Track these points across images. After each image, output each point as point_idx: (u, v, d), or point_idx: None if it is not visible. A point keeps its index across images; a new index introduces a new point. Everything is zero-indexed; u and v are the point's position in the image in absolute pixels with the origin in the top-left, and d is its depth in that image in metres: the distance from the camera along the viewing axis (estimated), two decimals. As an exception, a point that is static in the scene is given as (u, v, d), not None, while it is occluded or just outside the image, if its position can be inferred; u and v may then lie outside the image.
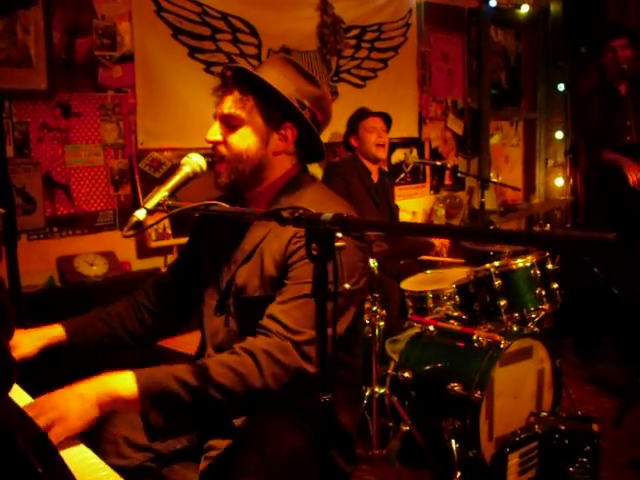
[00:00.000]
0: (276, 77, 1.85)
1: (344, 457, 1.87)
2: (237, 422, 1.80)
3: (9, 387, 0.96)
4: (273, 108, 1.86)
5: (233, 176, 1.88)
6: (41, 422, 1.38)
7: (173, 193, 1.69)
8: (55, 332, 1.99)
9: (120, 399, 1.49)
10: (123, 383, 1.50)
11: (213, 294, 1.95)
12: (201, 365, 1.59)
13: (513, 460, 2.51)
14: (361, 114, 4.35)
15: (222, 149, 1.88)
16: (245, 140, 1.86)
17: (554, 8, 6.62)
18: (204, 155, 1.82)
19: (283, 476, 1.63)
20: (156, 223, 1.70)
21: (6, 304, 0.88)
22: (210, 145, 1.91)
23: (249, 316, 1.81)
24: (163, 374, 1.54)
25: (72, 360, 2.00)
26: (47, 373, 1.89)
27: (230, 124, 1.86)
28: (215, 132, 1.88)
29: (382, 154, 4.34)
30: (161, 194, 1.66)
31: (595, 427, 2.55)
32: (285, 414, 1.76)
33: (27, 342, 1.91)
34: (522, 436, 2.54)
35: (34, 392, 1.68)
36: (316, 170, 4.71)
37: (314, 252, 1.17)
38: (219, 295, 1.92)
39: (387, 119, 4.40)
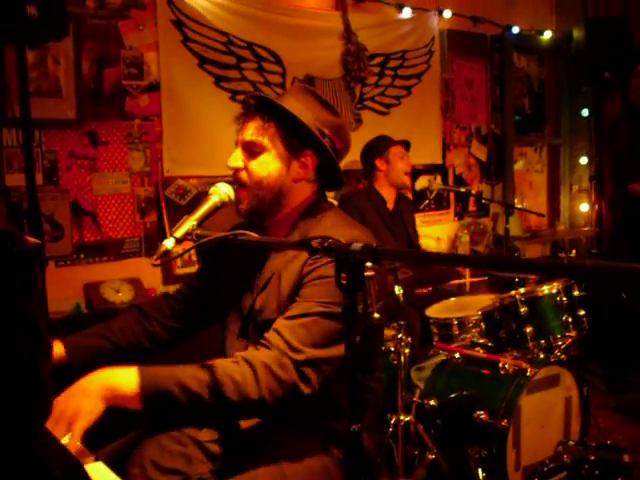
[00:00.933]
0: (297, 105, 1.89)
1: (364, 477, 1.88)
2: (263, 447, 1.80)
3: (47, 418, 0.97)
4: (294, 136, 1.89)
5: (254, 202, 1.91)
6: (60, 430, 1.44)
7: (201, 222, 1.73)
8: (56, 350, 2.00)
9: (121, 395, 1.54)
10: (126, 379, 1.55)
11: (235, 320, 1.98)
12: (202, 369, 1.62)
13: (542, 490, 2.48)
14: (389, 140, 4.34)
15: (243, 175, 1.91)
16: (266, 167, 1.89)
17: (577, 34, 6.61)
18: (230, 183, 1.85)
19: None
20: (185, 253, 1.73)
21: (45, 335, 0.90)
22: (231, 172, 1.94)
23: None
24: (166, 376, 1.59)
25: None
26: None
27: (252, 151, 1.90)
28: (236, 158, 1.91)
29: (408, 182, 4.36)
30: (189, 223, 1.69)
31: (626, 458, 2.51)
32: (313, 438, 1.77)
33: None
34: (550, 466, 2.51)
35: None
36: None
37: (343, 282, 1.18)
38: (241, 321, 1.94)
39: (408, 147, 4.42)
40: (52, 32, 3.04)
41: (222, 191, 1.80)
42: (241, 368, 1.63)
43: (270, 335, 1.71)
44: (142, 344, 2.14)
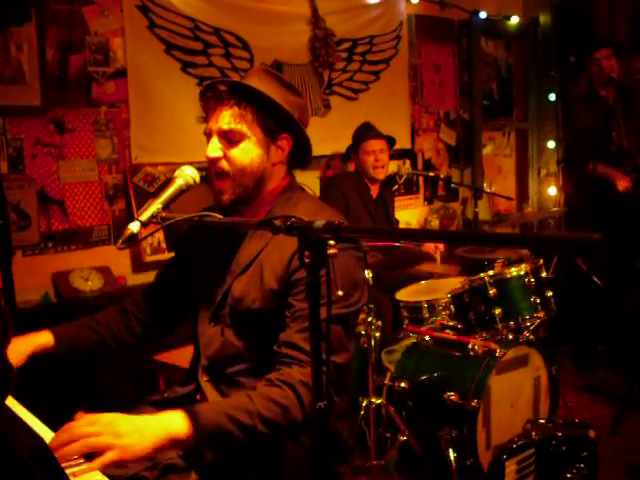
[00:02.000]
0: (264, 89, 1.86)
1: (336, 459, 1.90)
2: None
3: (6, 395, 0.97)
4: (270, 119, 1.87)
5: (238, 191, 1.88)
6: (100, 442, 1.40)
7: (167, 205, 1.71)
8: (43, 339, 1.99)
9: (177, 441, 1.49)
10: (180, 424, 1.50)
11: (207, 305, 1.95)
12: (247, 400, 1.59)
13: (510, 467, 2.51)
14: (363, 134, 4.29)
15: (224, 164, 1.86)
16: (248, 154, 1.86)
17: (543, 19, 6.67)
18: (197, 169, 1.83)
19: None
20: (150, 235, 1.73)
21: (2, 310, 0.89)
22: (205, 159, 1.90)
23: (247, 327, 1.83)
24: (215, 413, 1.55)
25: (59, 368, 2.01)
26: (34, 380, 1.89)
27: (230, 139, 1.86)
28: (215, 148, 1.86)
29: (380, 175, 4.30)
30: (155, 206, 1.68)
31: (592, 433, 2.55)
32: None
33: (15, 350, 1.90)
34: (519, 443, 2.54)
35: (20, 399, 1.69)
36: (313, 182, 4.74)
37: (307, 260, 1.18)
38: (214, 306, 1.93)
39: (391, 142, 4.39)
40: (14, 17, 2.98)
41: (187, 174, 1.78)
42: (284, 392, 1.60)
43: (291, 352, 1.68)
44: (125, 339, 2.12)
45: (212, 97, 1.88)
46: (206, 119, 1.93)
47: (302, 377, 1.62)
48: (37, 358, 1.96)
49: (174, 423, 1.50)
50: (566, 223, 6.56)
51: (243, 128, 1.84)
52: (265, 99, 1.83)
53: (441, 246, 4.37)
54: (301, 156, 2.00)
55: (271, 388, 1.62)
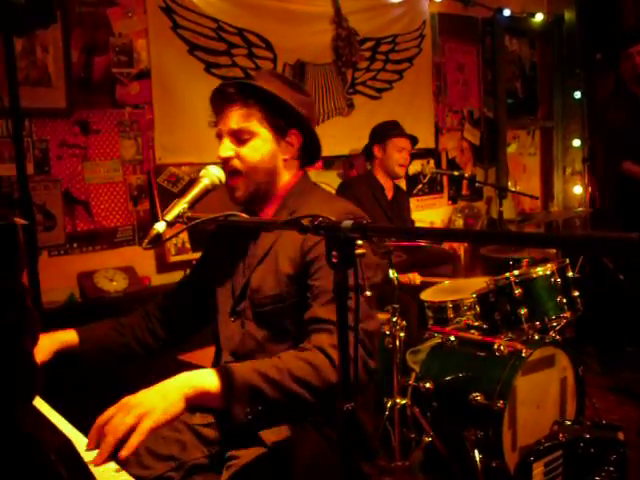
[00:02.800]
0: (273, 89, 1.90)
1: (364, 456, 1.89)
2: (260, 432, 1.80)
3: (34, 394, 0.97)
4: (278, 117, 1.91)
5: (251, 188, 1.93)
6: (129, 419, 1.39)
7: (192, 205, 1.72)
8: (68, 337, 2.01)
9: (205, 393, 1.48)
10: (208, 378, 1.50)
11: (227, 300, 1.97)
12: (278, 360, 1.59)
13: (538, 469, 2.48)
14: (394, 130, 4.31)
15: (236, 163, 1.91)
16: (258, 151, 1.91)
17: (568, 16, 6.61)
18: (222, 167, 1.85)
19: None
20: (175, 235, 1.72)
21: (31, 310, 0.89)
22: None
23: (266, 316, 1.84)
24: (246, 369, 1.54)
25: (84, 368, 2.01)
26: (59, 379, 1.89)
27: (241, 138, 1.90)
28: (227, 148, 1.91)
29: (402, 173, 4.36)
30: (180, 206, 1.69)
31: (620, 435, 2.51)
32: (306, 421, 1.77)
33: (40, 346, 1.90)
34: (546, 445, 2.51)
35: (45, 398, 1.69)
36: (334, 180, 4.73)
37: (334, 260, 1.18)
38: (234, 300, 1.94)
39: (415, 142, 4.41)
40: (40, 20, 3.01)
41: (213, 174, 1.80)
42: (314, 354, 1.60)
43: (318, 325, 1.68)
44: (148, 342, 2.13)
45: (221, 99, 1.93)
46: (217, 122, 1.97)
47: (332, 341, 1.60)
48: (62, 357, 1.96)
49: (203, 377, 1.50)
50: (592, 222, 6.50)
51: (252, 126, 1.89)
52: (271, 97, 1.87)
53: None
54: (312, 152, 2.04)
55: (301, 351, 1.62)
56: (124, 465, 1.42)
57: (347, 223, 1.17)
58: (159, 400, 1.44)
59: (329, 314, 1.66)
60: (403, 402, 3.28)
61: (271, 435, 1.77)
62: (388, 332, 3.30)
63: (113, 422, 1.40)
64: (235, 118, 1.89)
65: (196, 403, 1.48)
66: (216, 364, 2.03)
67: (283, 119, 1.92)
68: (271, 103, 1.89)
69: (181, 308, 2.17)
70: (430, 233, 1.43)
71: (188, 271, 2.30)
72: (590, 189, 6.67)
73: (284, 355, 1.61)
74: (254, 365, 1.56)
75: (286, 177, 1.99)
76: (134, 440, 1.37)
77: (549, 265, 3.51)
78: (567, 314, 3.46)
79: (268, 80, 1.94)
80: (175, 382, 1.49)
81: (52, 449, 1.05)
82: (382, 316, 3.36)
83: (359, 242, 1.17)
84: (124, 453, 1.36)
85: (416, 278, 4.11)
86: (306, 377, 1.56)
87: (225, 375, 1.50)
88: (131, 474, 1.42)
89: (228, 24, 4.28)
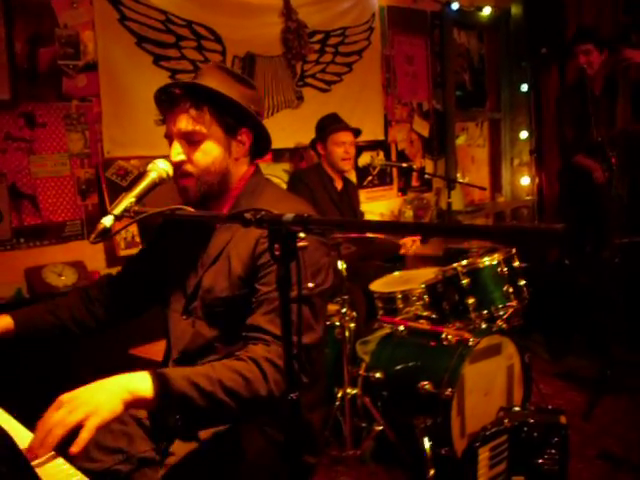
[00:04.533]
0: (218, 86, 1.87)
1: (310, 451, 1.92)
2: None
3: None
4: (228, 116, 1.89)
5: (202, 189, 1.90)
6: (76, 416, 1.40)
7: (140, 199, 1.71)
8: (3, 323, 1.99)
9: (140, 399, 1.50)
10: (144, 384, 1.51)
11: (179, 298, 1.97)
12: (211, 369, 1.61)
13: (483, 454, 2.54)
14: (331, 125, 4.32)
15: (188, 167, 1.89)
16: (210, 154, 1.89)
17: (515, 10, 6.71)
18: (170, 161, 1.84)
19: None
20: (123, 229, 1.71)
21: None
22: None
23: (217, 317, 1.84)
24: (179, 377, 1.55)
25: (33, 365, 2.00)
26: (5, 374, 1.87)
27: (191, 140, 1.88)
28: (178, 152, 1.88)
29: (347, 166, 4.35)
30: (128, 200, 1.68)
31: (563, 419, 2.58)
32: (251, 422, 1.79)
33: None
34: (492, 430, 2.57)
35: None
36: (282, 174, 4.74)
37: (277, 252, 1.19)
38: (185, 299, 1.94)
39: (358, 134, 4.43)
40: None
41: (160, 167, 1.78)
42: (248, 365, 1.62)
43: (256, 334, 1.70)
44: (87, 323, 2.12)
45: (168, 100, 1.90)
46: (164, 121, 1.95)
47: (266, 354, 1.64)
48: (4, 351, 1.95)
49: (138, 383, 1.51)
50: (539, 212, 6.64)
51: (202, 129, 1.86)
52: (221, 97, 1.85)
53: (417, 239, 4.40)
54: (261, 146, 2.03)
55: (237, 361, 1.64)
56: (72, 459, 1.42)
57: (289, 216, 1.18)
58: (104, 398, 1.45)
59: (269, 325, 1.69)
60: (354, 392, 3.33)
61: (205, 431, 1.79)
62: (338, 323, 3.34)
63: (58, 416, 1.40)
64: (184, 120, 1.86)
65: (130, 407, 1.50)
66: (166, 361, 2.03)
67: (233, 118, 1.90)
68: (220, 103, 1.86)
69: (124, 293, 2.16)
70: (373, 226, 1.46)
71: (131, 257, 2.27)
72: (537, 180, 6.80)
73: (218, 365, 1.63)
74: (188, 374, 1.57)
75: (238, 175, 1.98)
76: (84, 436, 1.38)
77: (495, 255, 3.58)
78: (514, 303, 3.54)
79: (215, 75, 1.92)
80: (114, 385, 1.50)
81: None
82: (332, 307, 3.39)
83: (301, 235, 1.19)
84: (75, 449, 1.36)
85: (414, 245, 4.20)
86: (236, 389, 1.58)
87: (160, 383, 1.52)
88: (79, 467, 1.43)
89: (177, 16, 4.24)
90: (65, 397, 1.46)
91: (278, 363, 1.62)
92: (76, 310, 2.11)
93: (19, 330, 2.00)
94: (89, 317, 2.13)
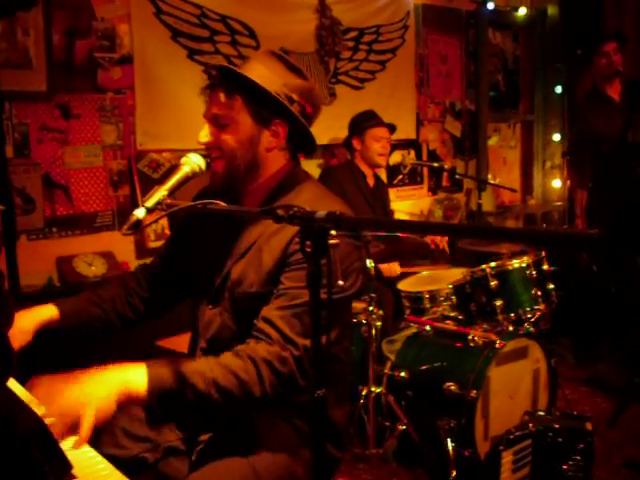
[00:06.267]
0: (263, 73, 1.85)
1: (335, 446, 1.91)
2: (231, 417, 1.83)
3: (7, 377, 0.98)
4: (261, 106, 1.86)
5: (228, 172, 1.89)
6: (68, 419, 1.44)
7: (172, 192, 1.72)
8: (48, 313, 1.99)
9: (133, 395, 1.53)
10: (136, 380, 1.54)
11: (207, 288, 1.96)
12: (208, 366, 1.62)
13: (507, 458, 2.53)
14: (370, 120, 4.34)
15: (216, 149, 1.88)
16: (236, 138, 1.86)
17: (551, 11, 6.65)
18: (203, 156, 1.85)
19: (270, 475, 1.69)
20: (155, 221, 1.72)
21: (4, 293, 0.91)
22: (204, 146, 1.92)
23: (244, 311, 1.83)
24: (172, 374, 1.57)
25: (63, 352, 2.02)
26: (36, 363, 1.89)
27: (220, 123, 1.87)
28: (206, 134, 1.89)
29: (383, 162, 4.41)
30: (160, 193, 1.69)
31: (589, 425, 2.57)
32: (275, 410, 1.79)
33: (20, 327, 1.89)
34: (516, 434, 2.56)
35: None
36: (314, 170, 4.74)
37: (308, 249, 1.20)
38: (213, 289, 1.94)
39: (392, 130, 4.44)
40: (21, 2, 3.00)
41: (193, 161, 1.79)
42: (245, 365, 1.62)
43: (265, 327, 1.69)
44: (127, 315, 2.13)
45: (209, 81, 1.90)
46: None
47: (266, 354, 1.64)
48: (40, 336, 1.96)
49: (132, 379, 1.54)
50: (570, 216, 6.57)
51: (231, 113, 1.85)
52: (253, 85, 1.82)
53: (444, 241, 4.39)
54: (304, 142, 1.99)
55: (234, 359, 1.64)
56: (99, 444, 1.45)
57: (321, 213, 1.18)
58: (99, 399, 1.48)
59: (280, 321, 1.68)
60: (378, 390, 3.32)
61: (242, 426, 1.80)
62: (365, 321, 3.34)
63: (54, 412, 1.46)
64: (216, 103, 1.86)
65: (124, 404, 1.53)
66: (192, 350, 2.04)
67: (267, 107, 1.86)
68: (254, 91, 1.83)
69: (158, 283, 2.16)
70: (405, 226, 1.45)
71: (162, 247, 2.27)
72: (569, 183, 6.73)
73: (214, 363, 1.64)
74: (184, 372, 1.59)
75: (271, 168, 1.94)
76: (82, 436, 1.43)
77: (525, 258, 3.56)
78: (542, 306, 3.52)
79: (264, 61, 1.89)
80: (110, 380, 1.53)
81: (26, 432, 1.06)
82: (359, 305, 3.39)
83: (333, 232, 1.19)
84: (79, 443, 1.43)
85: (396, 268, 4.16)
86: (230, 389, 1.60)
87: (153, 380, 1.55)
88: (106, 454, 1.45)
89: (211, 11, 4.26)
90: (68, 393, 1.50)
91: (276, 366, 1.63)
92: (118, 302, 2.12)
93: (63, 321, 2.01)
94: (130, 310, 2.13)
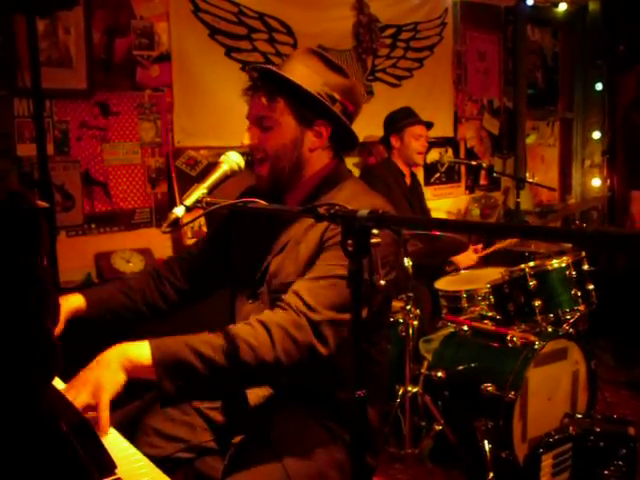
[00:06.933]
0: (303, 72, 1.84)
1: (370, 452, 1.88)
2: (266, 418, 1.82)
3: (54, 374, 0.99)
4: (304, 107, 1.85)
5: (273, 174, 1.88)
6: (84, 399, 1.45)
7: (211, 191, 1.72)
8: (76, 302, 1.98)
9: (139, 365, 1.53)
10: (140, 351, 1.54)
11: (247, 282, 1.95)
12: (215, 335, 1.60)
13: (547, 461, 2.49)
14: (409, 118, 4.32)
15: (260, 151, 1.88)
16: (280, 140, 1.86)
17: (592, 6, 6.54)
18: (241, 154, 1.84)
19: (302, 477, 1.68)
20: (194, 220, 1.73)
21: (50, 290, 0.91)
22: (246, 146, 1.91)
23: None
24: (178, 344, 1.56)
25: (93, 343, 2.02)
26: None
27: (263, 125, 1.86)
28: (250, 136, 1.88)
29: (421, 160, 4.40)
30: (200, 191, 1.69)
31: (631, 430, 2.52)
32: (309, 412, 1.78)
33: None
34: (556, 437, 2.52)
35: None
36: (351, 169, 4.72)
37: (350, 248, 1.18)
38: (252, 284, 1.93)
39: (429, 127, 4.42)
40: (62, 1, 3.03)
41: (232, 160, 1.79)
42: (255, 331, 1.59)
43: (288, 297, 1.67)
44: (157, 304, 2.12)
45: (250, 82, 1.89)
46: None
47: (281, 320, 1.61)
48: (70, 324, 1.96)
49: (136, 350, 1.54)
50: (610, 215, 6.47)
51: (274, 116, 1.84)
52: (296, 87, 1.81)
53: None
54: (346, 139, 1.96)
55: (244, 327, 1.62)
56: (135, 444, 1.46)
57: (363, 212, 1.17)
58: (104, 373, 1.50)
59: (305, 291, 1.66)
60: (415, 390, 3.30)
61: (274, 427, 1.79)
62: (402, 320, 3.31)
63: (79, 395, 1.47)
64: (258, 105, 1.85)
65: (131, 374, 1.53)
66: None
67: (309, 108, 1.85)
68: (295, 92, 1.82)
69: (194, 273, 2.15)
70: (447, 225, 1.43)
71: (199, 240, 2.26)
72: (609, 182, 6.62)
73: (221, 332, 1.61)
74: (189, 340, 1.57)
75: (314, 167, 1.92)
76: (104, 415, 1.45)
77: (564, 258, 3.51)
78: (581, 307, 3.47)
79: (304, 60, 1.88)
80: (111, 355, 1.54)
81: (69, 427, 1.07)
82: (396, 304, 3.37)
83: (374, 231, 1.17)
84: (104, 431, 1.44)
85: (472, 256, 4.17)
86: (239, 354, 1.57)
87: (157, 349, 1.54)
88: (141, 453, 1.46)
89: (249, 8, 4.27)
90: (71, 383, 1.52)
91: (291, 331, 1.59)
92: (148, 291, 2.10)
93: (91, 310, 1.99)
94: (160, 298, 2.12)
